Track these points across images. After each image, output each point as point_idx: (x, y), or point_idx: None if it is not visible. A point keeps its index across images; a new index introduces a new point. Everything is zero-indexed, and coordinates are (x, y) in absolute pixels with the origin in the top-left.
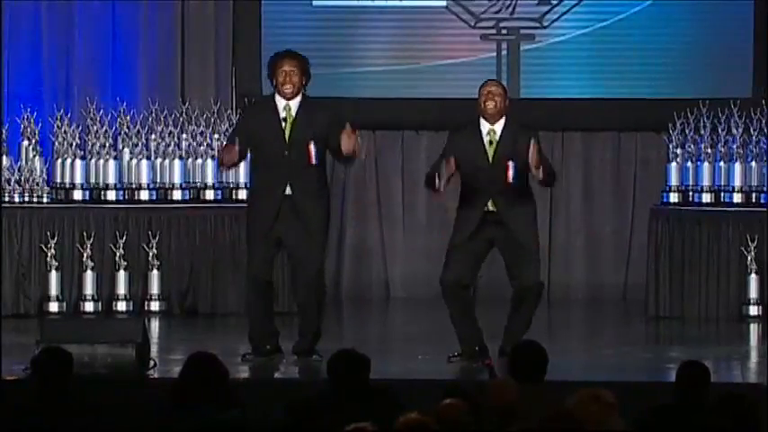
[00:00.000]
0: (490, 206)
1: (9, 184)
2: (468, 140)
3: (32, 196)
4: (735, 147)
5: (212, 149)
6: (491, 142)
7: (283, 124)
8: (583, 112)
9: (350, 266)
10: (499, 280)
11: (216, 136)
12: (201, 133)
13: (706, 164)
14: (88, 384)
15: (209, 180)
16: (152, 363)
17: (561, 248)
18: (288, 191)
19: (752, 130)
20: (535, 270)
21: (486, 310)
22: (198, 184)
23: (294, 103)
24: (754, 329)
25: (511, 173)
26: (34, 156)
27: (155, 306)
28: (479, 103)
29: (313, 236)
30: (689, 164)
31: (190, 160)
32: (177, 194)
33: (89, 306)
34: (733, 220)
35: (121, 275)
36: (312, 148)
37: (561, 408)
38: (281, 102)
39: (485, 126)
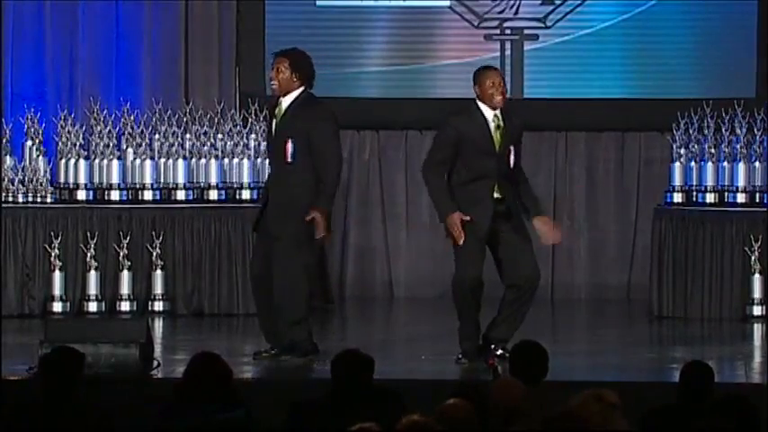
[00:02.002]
0: (497, 193)
1: (13, 185)
2: (475, 126)
3: (36, 196)
4: (738, 147)
5: (216, 149)
6: (498, 127)
7: (274, 121)
8: (586, 112)
9: (353, 266)
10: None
11: (219, 136)
12: (205, 133)
13: (710, 164)
14: (92, 384)
15: (213, 180)
16: (156, 363)
17: (565, 248)
18: (272, 188)
19: (755, 130)
20: (536, 261)
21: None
22: (202, 184)
23: (286, 100)
24: (757, 329)
25: (512, 158)
26: (38, 156)
27: (158, 306)
28: (485, 90)
29: (278, 239)
30: (692, 164)
31: (193, 160)
32: (181, 194)
33: (93, 306)
34: (737, 221)
35: (125, 275)
36: (289, 145)
37: (564, 408)
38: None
39: (488, 111)
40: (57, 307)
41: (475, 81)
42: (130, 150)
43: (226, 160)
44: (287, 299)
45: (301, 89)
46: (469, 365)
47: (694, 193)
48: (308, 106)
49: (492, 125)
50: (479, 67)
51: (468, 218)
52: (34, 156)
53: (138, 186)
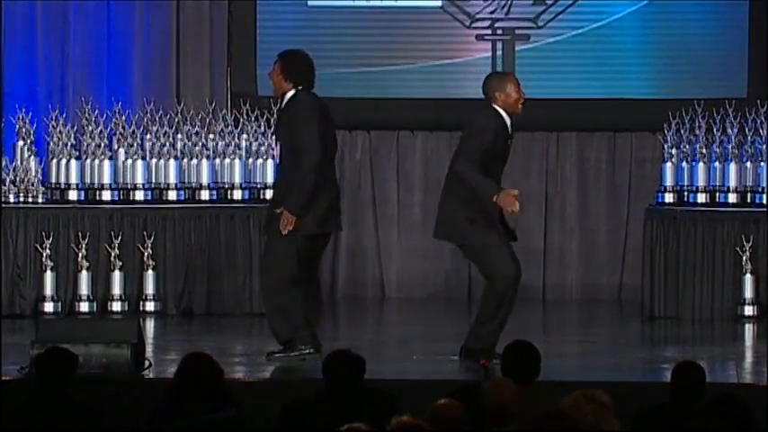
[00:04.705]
0: None
1: (4, 185)
2: (503, 133)
3: (27, 196)
4: (730, 147)
5: (207, 150)
6: (511, 135)
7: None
8: (578, 112)
9: (345, 267)
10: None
11: (211, 136)
12: (197, 133)
13: (701, 164)
14: (83, 384)
15: (205, 180)
16: (147, 363)
17: (556, 249)
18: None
19: (747, 131)
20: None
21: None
22: (193, 184)
23: (283, 102)
24: (749, 329)
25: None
26: (29, 156)
27: (150, 306)
28: (509, 95)
29: (268, 241)
30: (684, 164)
31: (185, 160)
32: (172, 195)
33: (84, 306)
34: (728, 221)
35: (116, 276)
36: (278, 147)
37: (556, 408)
38: None
39: (507, 118)
40: (48, 307)
41: (495, 87)
42: (122, 150)
43: (217, 160)
44: (269, 311)
45: (294, 90)
46: (463, 365)
47: (686, 194)
48: (290, 108)
49: (509, 131)
50: (495, 73)
51: (516, 191)
52: (25, 156)
53: (129, 186)
